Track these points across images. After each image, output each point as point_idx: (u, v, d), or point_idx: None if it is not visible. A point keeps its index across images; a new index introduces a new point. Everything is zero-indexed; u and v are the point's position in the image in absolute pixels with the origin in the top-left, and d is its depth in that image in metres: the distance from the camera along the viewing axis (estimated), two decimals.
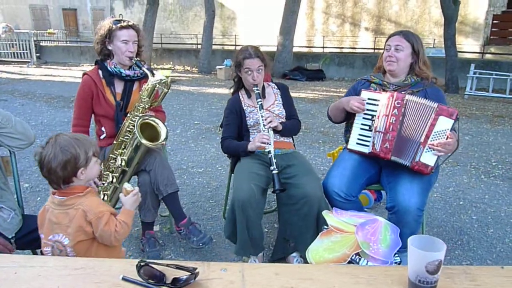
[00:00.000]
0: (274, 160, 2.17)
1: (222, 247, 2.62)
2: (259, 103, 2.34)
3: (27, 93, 8.83)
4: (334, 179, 2.22)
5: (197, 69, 13.49)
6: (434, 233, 2.80)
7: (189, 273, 1.00)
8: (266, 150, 2.23)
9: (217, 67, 12.18)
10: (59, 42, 20.31)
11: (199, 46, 14.03)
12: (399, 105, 2.09)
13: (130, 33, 2.38)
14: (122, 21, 2.41)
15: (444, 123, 2.01)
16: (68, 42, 20.51)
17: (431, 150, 2.03)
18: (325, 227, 1.99)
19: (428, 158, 2.04)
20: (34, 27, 25.41)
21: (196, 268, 0.99)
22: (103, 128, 2.50)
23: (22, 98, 8.16)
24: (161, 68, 13.70)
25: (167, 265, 1.04)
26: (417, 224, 2.09)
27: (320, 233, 1.95)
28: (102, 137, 2.52)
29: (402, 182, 2.10)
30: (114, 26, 2.37)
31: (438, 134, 2.02)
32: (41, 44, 17.06)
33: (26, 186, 3.66)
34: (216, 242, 2.68)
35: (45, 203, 1.55)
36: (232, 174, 2.69)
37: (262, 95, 2.46)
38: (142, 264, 1.02)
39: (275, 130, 2.38)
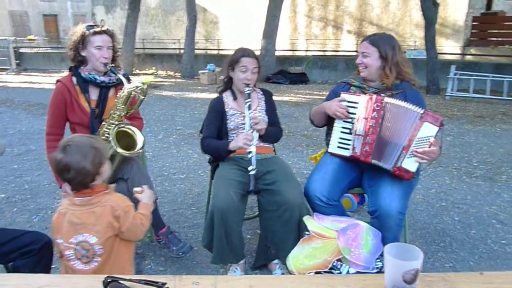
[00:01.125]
0: (254, 161, 2.14)
1: (204, 255, 2.56)
2: (248, 103, 2.31)
3: (5, 100, 8.62)
4: (315, 184, 2.19)
5: (180, 74, 13.39)
6: (417, 235, 2.80)
7: None
8: (248, 150, 2.18)
9: (200, 71, 12.11)
10: (40, 48, 19.97)
11: (182, 51, 13.94)
12: (378, 108, 2.07)
13: (104, 38, 2.31)
14: (95, 26, 2.34)
15: (429, 130, 1.98)
16: (49, 48, 20.16)
17: (413, 156, 2.01)
18: (306, 233, 1.96)
19: (409, 164, 2.02)
20: (14, 33, 24.93)
21: (166, 283, 0.94)
22: None
23: (0, 106, 7.96)
24: (144, 74, 13.57)
25: (136, 281, 0.98)
26: (399, 228, 2.08)
27: (301, 239, 1.92)
28: None
29: (383, 186, 2.08)
30: (87, 32, 2.29)
31: (422, 140, 1.99)
32: (20, 50, 16.74)
33: (2, 196, 3.55)
34: (198, 250, 2.61)
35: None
36: (212, 181, 2.65)
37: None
38: (109, 280, 0.97)
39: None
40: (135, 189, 1.71)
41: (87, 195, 1.52)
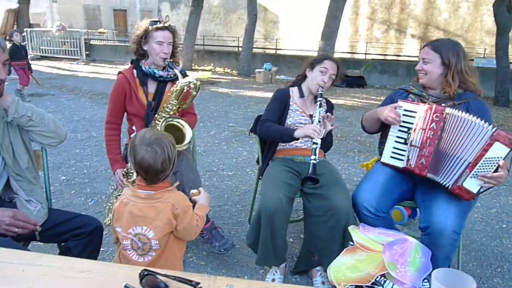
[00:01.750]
0: (317, 152, 2.11)
1: (245, 254, 2.57)
2: (319, 101, 2.31)
3: (73, 88, 9.21)
4: (364, 193, 2.11)
5: (236, 72, 13.57)
6: (471, 257, 2.61)
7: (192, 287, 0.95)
8: (315, 140, 2.14)
9: (256, 70, 12.19)
10: (108, 41, 21.12)
11: (240, 49, 14.11)
12: (438, 119, 1.95)
13: (166, 34, 2.38)
14: (158, 22, 2.42)
15: (499, 150, 1.81)
16: (116, 41, 21.28)
17: (477, 177, 1.85)
18: (351, 243, 1.89)
19: (471, 185, 1.87)
20: (86, 26, 26.63)
21: (199, 283, 0.94)
22: (133, 127, 2.52)
23: (69, 94, 8.52)
24: (202, 70, 13.91)
25: (172, 277, 0.99)
26: (453, 248, 1.94)
27: (344, 250, 1.86)
28: (132, 135, 2.54)
29: (439, 202, 1.96)
30: (150, 27, 2.38)
31: (490, 160, 1.82)
32: (90, 42, 17.81)
33: (63, 178, 3.79)
34: (239, 248, 2.63)
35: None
36: (260, 180, 2.64)
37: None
38: (145, 273, 0.98)
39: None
40: (192, 191, 1.72)
41: (152, 189, 1.52)
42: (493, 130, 1.82)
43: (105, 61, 16.17)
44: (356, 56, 15.07)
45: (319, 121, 2.22)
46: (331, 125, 2.28)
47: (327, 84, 2.37)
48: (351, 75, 11.79)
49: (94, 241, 1.83)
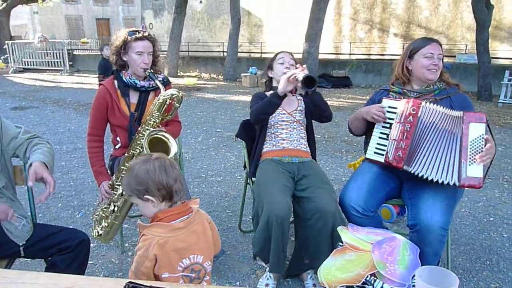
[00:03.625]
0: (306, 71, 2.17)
1: (236, 260, 2.55)
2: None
3: (58, 100, 9.11)
4: (351, 193, 2.12)
5: (222, 77, 13.57)
6: (460, 251, 2.64)
7: None
8: (296, 75, 2.15)
9: (242, 74, 12.21)
10: (92, 50, 20.96)
11: (225, 54, 14.12)
12: (414, 112, 1.99)
13: (145, 44, 2.36)
14: (137, 32, 2.39)
15: (477, 129, 1.89)
16: (100, 50, 21.12)
17: (474, 162, 1.88)
18: (340, 244, 1.89)
19: (474, 171, 1.88)
20: (69, 36, 26.41)
21: None
22: (118, 138, 2.50)
23: (53, 105, 8.42)
24: (188, 76, 13.87)
25: None
26: (441, 243, 1.95)
27: (334, 251, 1.86)
28: (117, 146, 2.52)
29: (425, 198, 1.97)
30: (129, 37, 2.34)
31: (475, 142, 1.89)
32: (74, 53, 17.66)
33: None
34: (230, 254, 2.61)
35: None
36: (248, 185, 2.63)
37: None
38: (130, 285, 0.97)
39: (307, 94, 2.37)
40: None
41: (185, 213, 1.39)
42: (461, 114, 1.90)
43: (89, 71, 16.03)
44: (341, 57, 15.20)
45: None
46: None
47: (290, 69, 2.41)
48: (336, 76, 11.89)
49: (81, 254, 1.79)
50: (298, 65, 2.33)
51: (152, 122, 2.26)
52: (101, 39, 26.99)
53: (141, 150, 2.22)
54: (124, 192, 2.06)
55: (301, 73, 2.16)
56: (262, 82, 2.73)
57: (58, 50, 16.08)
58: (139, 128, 2.29)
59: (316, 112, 2.46)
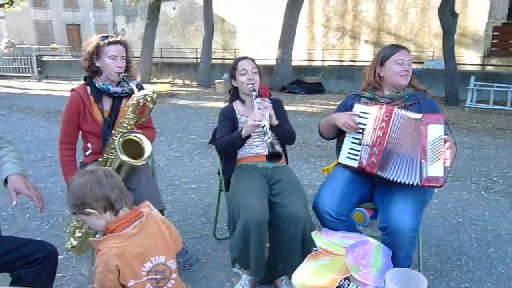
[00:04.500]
0: (269, 131, 2.12)
1: (211, 267, 2.52)
2: (255, 95, 2.32)
3: (25, 107, 8.82)
4: (325, 198, 2.13)
5: (196, 83, 13.50)
6: (431, 252, 2.70)
7: None
8: (262, 125, 2.15)
9: (216, 80, 12.18)
10: (62, 56, 20.47)
11: (199, 60, 14.07)
12: (387, 118, 2.03)
13: (118, 48, 2.33)
14: (109, 37, 2.37)
15: (436, 130, 1.94)
16: (70, 57, 20.64)
17: (434, 162, 1.93)
18: (314, 248, 1.90)
19: (435, 170, 1.93)
20: (38, 42, 25.70)
21: None
22: (89, 144, 2.44)
23: (20, 113, 8.14)
24: (161, 82, 13.73)
25: None
26: (412, 245, 1.99)
27: (308, 256, 1.86)
28: (87, 153, 2.46)
29: (395, 201, 2.01)
30: (101, 42, 2.32)
31: (434, 142, 1.94)
32: (42, 59, 17.17)
33: (14, 202, 3.58)
34: (205, 262, 2.58)
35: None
36: (222, 192, 2.62)
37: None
38: None
39: (271, 127, 2.31)
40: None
41: (136, 218, 1.40)
42: (419, 117, 1.96)
43: (59, 78, 15.64)
44: (314, 63, 15.40)
45: (259, 108, 2.24)
46: (270, 109, 2.30)
47: (254, 79, 2.40)
48: (309, 82, 12.02)
49: (48, 267, 1.72)
50: (264, 102, 2.34)
51: (126, 125, 2.23)
52: (72, 45, 26.41)
53: (115, 153, 2.18)
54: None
55: (263, 121, 2.15)
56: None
57: (26, 56, 15.65)
58: (113, 131, 2.26)
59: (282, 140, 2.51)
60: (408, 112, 2.02)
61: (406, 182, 1.98)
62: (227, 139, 2.35)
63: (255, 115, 2.18)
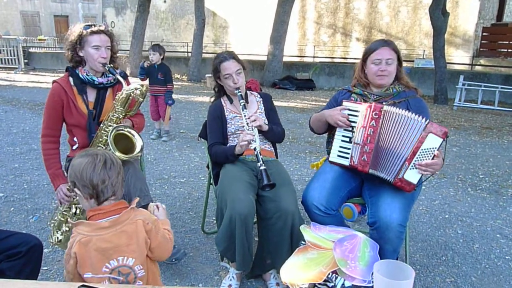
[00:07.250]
0: (260, 157, 2.09)
1: (199, 262, 2.51)
2: (242, 103, 2.29)
3: (11, 99, 8.67)
4: (314, 192, 2.13)
5: (186, 77, 13.42)
6: (418, 248, 2.72)
7: None
8: (252, 147, 2.14)
9: (207, 75, 12.13)
10: (49, 48, 20.14)
11: (190, 54, 13.97)
12: (376, 116, 2.02)
13: (102, 38, 2.26)
14: (93, 26, 2.30)
15: (433, 141, 1.91)
16: (58, 48, 20.33)
17: (415, 168, 1.93)
18: (302, 242, 1.90)
19: (412, 176, 1.95)
20: (25, 33, 25.25)
21: None
22: (75, 138, 2.38)
23: (6, 105, 8.00)
24: None
25: None
26: (400, 240, 2.01)
27: (296, 249, 1.86)
28: (74, 147, 2.41)
29: (384, 197, 2.02)
30: (84, 32, 2.24)
31: (426, 151, 1.92)
32: (29, 50, 16.88)
33: (0, 195, 3.53)
34: (193, 256, 2.57)
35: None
36: (211, 186, 2.60)
37: (245, 101, 2.41)
38: None
39: (260, 131, 2.33)
40: (151, 205, 1.59)
41: (114, 213, 1.36)
42: (426, 122, 1.92)
43: (46, 70, 15.41)
44: (305, 60, 15.42)
45: (248, 124, 2.23)
46: (259, 121, 2.29)
47: (239, 83, 2.37)
48: (300, 78, 12.04)
49: (32, 260, 1.69)
50: (253, 113, 2.34)
51: (115, 118, 2.20)
52: (60, 37, 26.00)
53: (104, 147, 2.15)
54: None
55: (257, 144, 2.14)
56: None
57: (13, 47, 15.37)
58: (101, 125, 2.21)
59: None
60: (407, 112, 1.98)
61: (381, 177, 2.00)
62: (222, 154, 2.36)
63: (245, 135, 2.18)
